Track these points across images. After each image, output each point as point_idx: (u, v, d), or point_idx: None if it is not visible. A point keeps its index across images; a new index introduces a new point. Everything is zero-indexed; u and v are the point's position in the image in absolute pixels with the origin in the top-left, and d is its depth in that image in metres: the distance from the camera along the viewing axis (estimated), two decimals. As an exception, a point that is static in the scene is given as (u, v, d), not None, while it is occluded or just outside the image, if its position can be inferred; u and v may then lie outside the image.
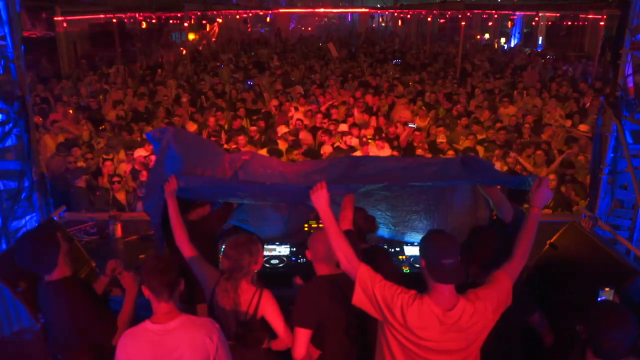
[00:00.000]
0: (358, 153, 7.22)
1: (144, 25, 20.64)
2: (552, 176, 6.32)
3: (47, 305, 2.81)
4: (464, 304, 2.25)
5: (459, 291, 2.31)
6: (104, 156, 7.02)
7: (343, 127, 8.28)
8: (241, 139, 7.37)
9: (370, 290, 2.31)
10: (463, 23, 16.44)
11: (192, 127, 8.69)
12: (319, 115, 8.83)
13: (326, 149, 7.37)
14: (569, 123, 9.27)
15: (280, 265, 4.17)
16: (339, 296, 2.63)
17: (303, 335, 2.62)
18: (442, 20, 24.61)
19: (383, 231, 4.26)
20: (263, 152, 7.33)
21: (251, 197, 3.51)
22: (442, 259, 2.21)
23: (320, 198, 2.53)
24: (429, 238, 2.32)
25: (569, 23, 23.81)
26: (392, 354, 2.37)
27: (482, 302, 2.28)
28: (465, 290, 2.33)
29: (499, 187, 3.49)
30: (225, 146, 7.35)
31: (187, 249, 2.96)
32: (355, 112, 9.42)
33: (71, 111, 9.48)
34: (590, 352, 2.24)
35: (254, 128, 8.38)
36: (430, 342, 2.27)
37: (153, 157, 6.28)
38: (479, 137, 8.20)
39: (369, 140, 7.63)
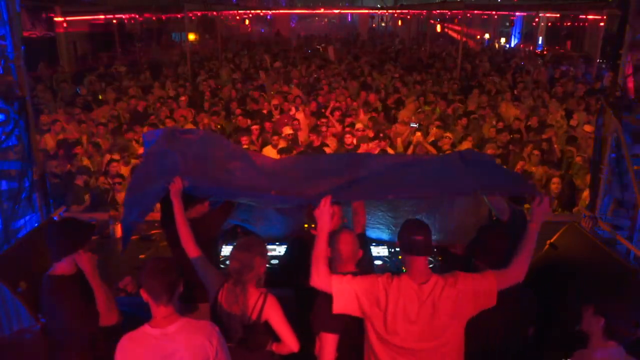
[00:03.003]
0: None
1: (144, 25, 20.66)
2: (555, 179, 6.32)
3: (46, 300, 2.84)
4: (436, 277, 2.47)
5: None
6: (112, 156, 7.05)
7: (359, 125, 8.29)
8: (244, 139, 7.37)
9: (348, 292, 2.47)
10: (459, 28, 16.43)
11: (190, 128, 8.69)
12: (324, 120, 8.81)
13: (329, 151, 7.39)
14: (574, 122, 9.27)
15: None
16: None
17: (331, 341, 2.61)
18: (443, 24, 24.65)
19: (383, 233, 4.26)
20: (264, 151, 7.36)
21: (255, 202, 3.50)
22: (412, 235, 2.48)
23: (324, 213, 2.63)
24: (405, 222, 2.60)
25: (569, 23, 23.81)
26: (374, 352, 2.49)
27: (453, 278, 2.46)
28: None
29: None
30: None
31: (192, 250, 2.95)
32: (360, 112, 9.44)
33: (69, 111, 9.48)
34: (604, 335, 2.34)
35: (254, 127, 8.37)
36: (409, 323, 2.39)
37: None
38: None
39: (369, 141, 7.64)
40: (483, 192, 3.17)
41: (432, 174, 3.22)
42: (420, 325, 2.39)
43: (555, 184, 6.25)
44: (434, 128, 8.43)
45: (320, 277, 2.53)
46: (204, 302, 2.96)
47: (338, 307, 2.48)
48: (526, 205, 3.59)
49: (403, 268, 4.07)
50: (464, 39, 16.43)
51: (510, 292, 2.62)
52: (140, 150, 7.16)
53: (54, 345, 2.94)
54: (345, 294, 2.47)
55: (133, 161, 7.07)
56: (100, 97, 11.53)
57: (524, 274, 2.53)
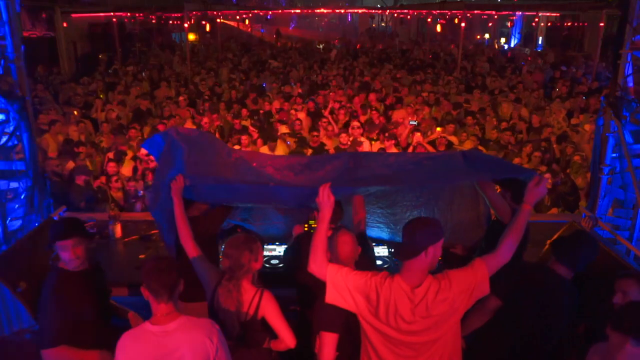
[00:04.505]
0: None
1: (144, 25, 20.67)
2: (547, 175, 6.31)
3: (48, 292, 2.89)
4: (429, 280, 2.39)
5: None
6: (109, 156, 7.04)
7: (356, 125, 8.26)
8: (244, 138, 7.38)
9: (341, 285, 2.45)
10: (463, 24, 16.44)
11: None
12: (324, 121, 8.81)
13: (328, 143, 7.41)
14: (575, 121, 9.26)
15: (280, 265, 4.17)
16: None
17: (331, 340, 2.61)
18: (442, 21, 24.59)
19: (383, 232, 4.26)
20: (264, 150, 7.38)
21: (255, 199, 3.50)
22: (402, 237, 2.41)
23: (324, 201, 2.57)
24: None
25: (569, 23, 23.81)
26: (371, 344, 2.48)
27: (447, 281, 2.39)
28: None
29: (498, 188, 3.50)
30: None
31: (191, 248, 2.96)
32: (360, 114, 9.45)
33: (76, 112, 9.50)
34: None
35: (253, 129, 8.38)
36: (402, 321, 2.37)
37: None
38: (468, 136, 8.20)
39: (372, 141, 7.66)
40: (482, 178, 3.23)
41: (432, 170, 3.27)
42: (414, 325, 2.38)
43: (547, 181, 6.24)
44: (436, 128, 8.41)
45: (317, 264, 2.51)
46: (202, 300, 2.96)
47: (330, 298, 2.48)
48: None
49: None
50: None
51: (548, 285, 2.74)
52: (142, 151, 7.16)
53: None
54: (338, 286, 2.46)
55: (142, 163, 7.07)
56: (101, 96, 11.52)
57: (512, 253, 2.50)
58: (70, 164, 6.86)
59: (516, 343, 2.91)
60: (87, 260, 2.96)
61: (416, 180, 3.39)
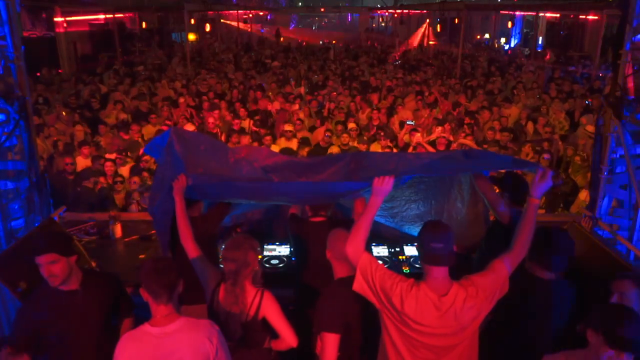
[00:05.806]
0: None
1: (144, 25, 20.66)
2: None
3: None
4: (456, 289, 2.37)
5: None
6: (107, 156, 7.03)
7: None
8: (245, 139, 7.39)
9: (369, 277, 2.45)
10: (462, 24, 16.43)
11: (190, 128, 8.67)
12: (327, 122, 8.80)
13: (333, 150, 7.41)
14: (584, 121, 9.26)
15: (281, 265, 4.17)
16: (360, 297, 2.62)
17: (333, 341, 2.60)
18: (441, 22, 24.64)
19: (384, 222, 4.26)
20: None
21: (258, 195, 3.52)
22: (431, 242, 2.36)
23: (382, 190, 2.65)
24: (425, 224, 2.47)
25: (569, 23, 23.80)
26: (391, 339, 2.47)
27: (474, 288, 2.38)
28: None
29: (496, 188, 3.51)
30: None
31: (191, 248, 2.96)
32: (360, 114, 9.45)
33: (64, 112, 9.46)
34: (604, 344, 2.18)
35: (255, 129, 8.39)
36: (427, 327, 2.36)
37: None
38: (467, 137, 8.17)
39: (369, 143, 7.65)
40: (486, 169, 3.28)
41: (434, 163, 3.31)
42: (439, 329, 2.37)
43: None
44: (436, 128, 8.40)
45: (354, 247, 2.51)
46: (203, 303, 2.96)
47: (357, 287, 2.48)
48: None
49: (403, 268, 4.10)
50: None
51: (545, 284, 2.74)
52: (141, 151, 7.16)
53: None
54: (366, 278, 2.45)
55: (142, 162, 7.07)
56: (97, 97, 11.50)
57: (527, 247, 2.55)
58: (86, 162, 6.83)
59: (512, 344, 2.90)
60: (76, 280, 2.74)
61: (418, 169, 3.40)
